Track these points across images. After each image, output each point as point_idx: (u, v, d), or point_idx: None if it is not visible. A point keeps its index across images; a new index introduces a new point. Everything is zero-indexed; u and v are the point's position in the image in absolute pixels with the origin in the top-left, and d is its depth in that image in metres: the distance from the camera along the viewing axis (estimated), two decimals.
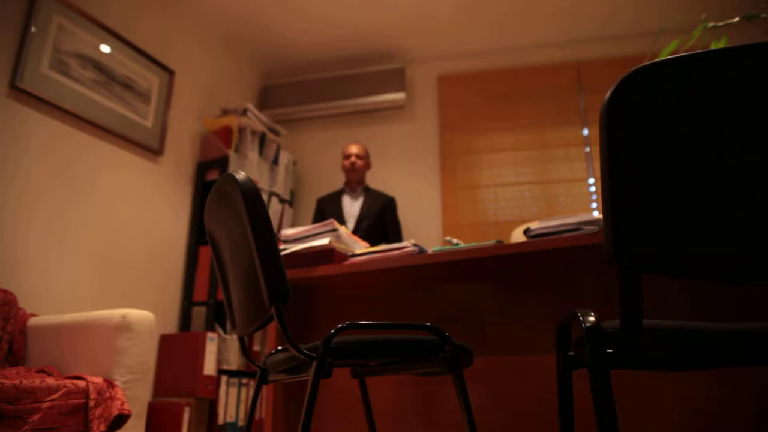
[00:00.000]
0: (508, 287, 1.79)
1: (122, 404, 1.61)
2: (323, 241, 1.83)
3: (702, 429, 1.48)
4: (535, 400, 1.67)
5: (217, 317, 3.14)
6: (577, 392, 1.64)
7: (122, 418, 1.61)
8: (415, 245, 1.76)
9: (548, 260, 1.64)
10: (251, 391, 3.06)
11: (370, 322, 1.06)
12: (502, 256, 1.59)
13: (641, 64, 0.83)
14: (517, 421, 1.68)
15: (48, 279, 2.44)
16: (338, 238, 1.91)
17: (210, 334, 2.81)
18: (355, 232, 3.16)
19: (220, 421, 2.80)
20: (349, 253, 1.89)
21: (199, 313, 3.21)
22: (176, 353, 2.81)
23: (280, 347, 1.42)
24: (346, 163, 3.29)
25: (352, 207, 3.26)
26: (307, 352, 1.01)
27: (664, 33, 3.80)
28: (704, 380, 1.51)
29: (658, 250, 0.80)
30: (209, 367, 2.75)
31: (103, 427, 1.54)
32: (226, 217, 1.22)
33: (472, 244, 1.65)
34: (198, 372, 2.71)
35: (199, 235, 3.33)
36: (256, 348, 3.28)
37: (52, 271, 2.47)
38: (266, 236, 1.04)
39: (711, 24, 1.99)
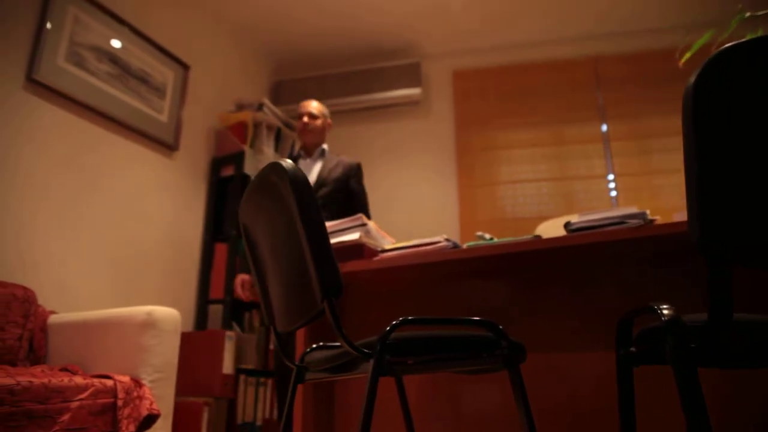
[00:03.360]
0: (538, 283, 1.74)
1: (151, 404, 1.57)
2: (353, 236, 1.79)
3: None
4: (567, 399, 1.63)
5: (234, 315, 3.09)
6: (589, 391, 1.59)
7: (151, 419, 1.56)
8: (447, 240, 1.72)
9: (586, 255, 1.60)
10: (269, 391, 3.01)
11: (426, 318, 1.02)
12: (540, 251, 1.54)
13: (728, 44, 0.79)
14: (543, 420, 1.63)
15: (63, 276, 2.40)
16: (367, 233, 1.86)
17: (228, 333, 2.76)
18: None
19: (238, 420, 2.75)
20: (379, 249, 1.84)
21: (215, 311, 3.16)
22: (194, 352, 2.76)
23: (314, 345, 1.38)
24: (300, 123, 2.83)
25: (309, 173, 2.84)
26: (363, 349, 0.96)
27: (686, 27, 3.75)
28: (711, 380, 1.48)
29: (752, 241, 0.75)
30: (227, 366, 2.71)
31: (132, 428, 1.49)
32: (267, 208, 1.17)
33: (506, 239, 1.60)
34: (216, 371, 2.66)
35: (214, 231, 3.28)
36: (271, 347, 3.23)
37: (67, 268, 2.42)
38: (317, 227, 0.99)
39: (748, 14, 1.94)
